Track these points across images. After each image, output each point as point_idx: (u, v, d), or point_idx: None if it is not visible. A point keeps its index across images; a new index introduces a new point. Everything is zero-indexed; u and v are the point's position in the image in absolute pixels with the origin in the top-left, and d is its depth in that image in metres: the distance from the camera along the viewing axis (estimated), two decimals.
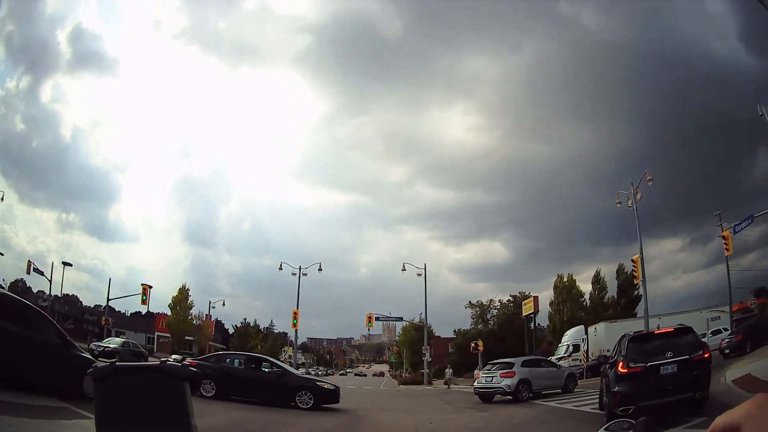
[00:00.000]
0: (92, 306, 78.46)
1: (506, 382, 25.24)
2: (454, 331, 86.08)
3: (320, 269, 60.46)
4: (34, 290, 69.96)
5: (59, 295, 68.89)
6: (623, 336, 15.45)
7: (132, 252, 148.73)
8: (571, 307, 56.17)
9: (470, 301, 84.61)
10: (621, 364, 13.66)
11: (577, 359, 43.10)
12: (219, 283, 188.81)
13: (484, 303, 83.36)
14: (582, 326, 47.44)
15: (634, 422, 0.97)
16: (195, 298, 78.82)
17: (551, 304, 59.50)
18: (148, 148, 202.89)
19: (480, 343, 50.84)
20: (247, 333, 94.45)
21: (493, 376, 26.42)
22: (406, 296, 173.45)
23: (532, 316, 62.30)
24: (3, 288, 71.84)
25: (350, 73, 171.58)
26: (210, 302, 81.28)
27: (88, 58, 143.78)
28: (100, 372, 0.79)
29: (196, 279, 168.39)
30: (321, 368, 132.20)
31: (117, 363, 0.89)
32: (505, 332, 74.59)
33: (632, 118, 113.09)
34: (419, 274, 57.95)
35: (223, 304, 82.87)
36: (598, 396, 17.38)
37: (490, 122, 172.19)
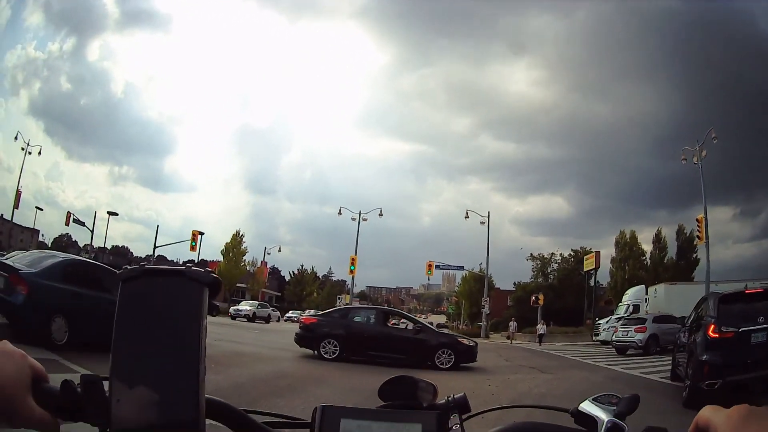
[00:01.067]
0: (143, 256, 79.22)
1: (639, 337, 27.56)
2: (514, 283, 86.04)
3: (381, 215, 59.90)
4: (81, 243, 73.17)
5: (105, 246, 70.51)
6: (707, 296, 13.93)
7: (188, 202, 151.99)
8: (632, 266, 55.03)
9: (531, 254, 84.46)
10: (712, 327, 11.56)
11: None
12: (279, 230, 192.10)
13: (545, 256, 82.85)
14: (643, 286, 46.41)
15: (619, 395, 1.13)
16: (255, 246, 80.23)
17: (613, 261, 58.44)
18: (206, 101, 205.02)
19: (541, 296, 50.67)
20: (304, 280, 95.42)
21: (628, 331, 29.01)
22: (468, 247, 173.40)
23: (593, 271, 61.63)
24: (45, 244, 73.56)
25: (413, 26, 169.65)
26: (265, 248, 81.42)
27: (138, 16, 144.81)
28: (128, 273, 0.98)
29: (255, 227, 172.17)
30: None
31: (146, 266, 1.06)
32: (565, 287, 74.19)
33: (688, 86, 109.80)
34: (482, 222, 57.13)
35: (279, 250, 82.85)
36: (670, 364, 16.02)
37: (553, 77, 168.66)
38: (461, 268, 61.82)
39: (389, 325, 19.72)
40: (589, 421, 1.08)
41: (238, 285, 78.09)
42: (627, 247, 56.60)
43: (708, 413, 0.84)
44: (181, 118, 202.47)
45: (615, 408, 1.07)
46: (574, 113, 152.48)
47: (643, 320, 28.85)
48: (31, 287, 11.41)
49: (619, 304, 46.64)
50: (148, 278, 0.97)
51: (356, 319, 19.39)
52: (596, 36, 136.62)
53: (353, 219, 59.00)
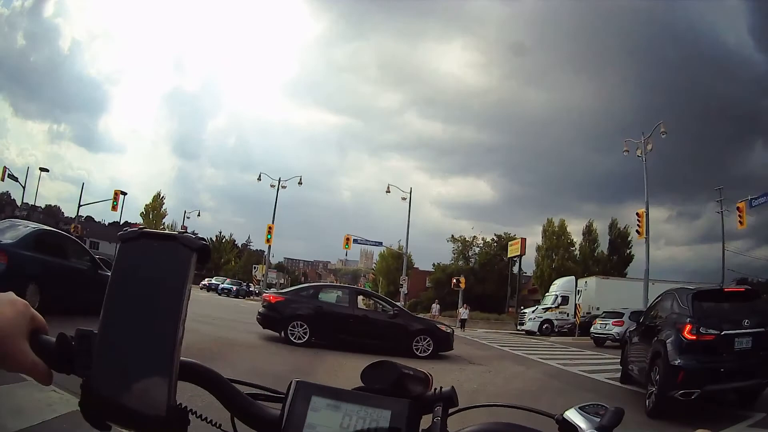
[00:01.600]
0: (72, 216, 73.96)
1: (616, 330, 28.57)
2: (433, 265, 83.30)
3: (300, 182, 57.17)
4: (18, 202, 68.85)
5: (36, 205, 67.98)
6: (672, 291, 11.80)
7: (118, 163, 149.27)
8: (561, 255, 52.45)
9: (452, 235, 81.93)
10: (688, 327, 9.76)
11: (565, 312, 40.33)
12: (201, 196, 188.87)
13: (467, 239, 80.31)
14: (573, 277, 44.29)
15: (606, 406, 1.05)
16: (177, 210, 76.32)
17: (539, 249, 55.92)
18: (142, 62, 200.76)
19: (462, 279, 47.62)
20: (222, 248, 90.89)
21: (606, 324, 30.45)
22: (387, 225, 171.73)
23: (517, 258, 59.37)
24: None
25: None
26: (185, 212, 75.64)
27: None
28: (127, 234, 0.58)
29: (179, 191, 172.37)
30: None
31: (144, 228, 0.62)
32: (486, 272, 72.08)
33: (633, 84, 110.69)
34: (404, 198, 53.73)
35: (198, 215, 76.61)
36: (620, 364, 14.00)
37: (489, 61, 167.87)
38: (380, 244, 57.99)
39: (363, 307, 18.60)
40: (572, 430, 1.05)
41: None
42: (554, 236, 54.02)
43: None
44: (117, 78, 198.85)
45: (599, 420, 1.03)
46: (508, 98, 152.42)
47: (620, 314, 29.70)
48: (10, 257, 11.97)
49: (546, 294, 44.13)
50: (144, 240, 1.02)
51: (326, 299, 17.44)
52: (541, 22, 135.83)
53: (272, 186, 56.29)
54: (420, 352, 16.30)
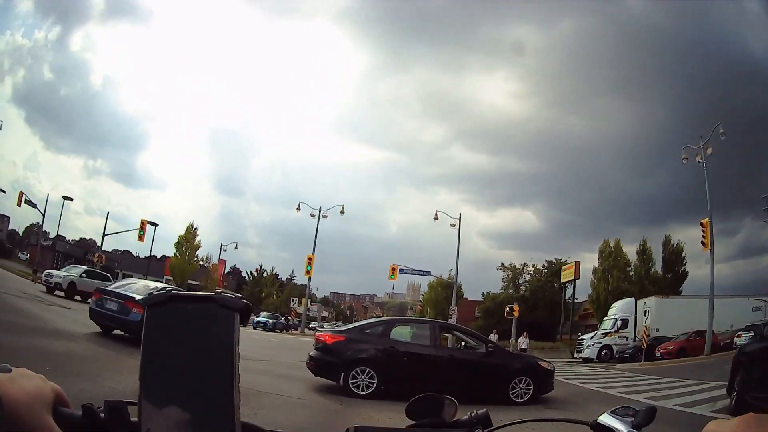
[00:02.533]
0: (110, 251, 76.10)
1: None
2: (483, 294, 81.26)
3: (342, 212, 55.32)
4: (52, 234, 70.53)
5: (62, 236, 69.10)
6: None
7: (159, 199, 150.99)
8: (616, 277, 49.84)
9: (502, 263, 79.75)
10: None
11: (624, 336, 38.22)
12: (246, 233, 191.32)
13: (517, 267, 78.13)
14: (632, 299, 41.96)
15: (637, 409, 1.13)
16: (229, 253, 75.73)
17: (594, 271, 53.14)
18: (182, 99, 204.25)
19: (516, 307, 45.53)
20: (262, 281, 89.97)
21: None
22: (434, 257, 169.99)
23: (569, 283, 57.24)
24: (17, 231, 71.25)
25: (392, 30, 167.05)
26: (221, 245, 74.71)
27: (122, 8, 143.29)
28: (154, 299, 0.58)
29: (224, 229, 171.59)
30: (339, 323, 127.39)
31: (173, 291, 0.64)
32: (537, 300, 69.79)
33: (667, 105, 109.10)
34: (453, 225, 51.91)
35: (236, 248, 74.60)
36: (728, 391, 11.68)
37: (530, 90, 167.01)
38: (428, 273, 56.39)
39: (446, 346, 15.56)
40: None
41: (190, 282, 72.01)
42: (611, 257, 51.45)
43: (713, 427, 0.86)
44: (155, 115, 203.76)
45: (633, 420, 1.10)
46: (549, 128, 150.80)
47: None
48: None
49: (604, 318, 41.94)
50: (175, 304, 0.98)
51: (399, 337, 14.06)
52: (577, 49, 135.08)
53: (312, 215, 54.95)
54: (518, 398, 13.25)
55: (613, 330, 38.33)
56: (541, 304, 68.15)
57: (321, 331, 18.08)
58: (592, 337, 38.53)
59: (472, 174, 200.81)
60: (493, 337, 34.72)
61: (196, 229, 69.31)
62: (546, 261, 76.17)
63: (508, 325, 70.06)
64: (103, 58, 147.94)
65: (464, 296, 71.50)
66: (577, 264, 56.47)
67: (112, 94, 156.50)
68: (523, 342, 37.92)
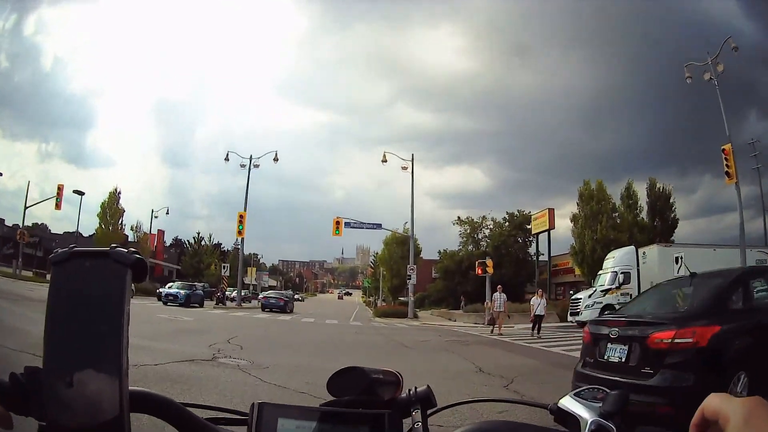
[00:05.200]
0: (61, 233, 70.25)
1: None
2: (439, 252, 73.88)
3: (276, 159, 47.40)
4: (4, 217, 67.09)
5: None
6: None
7: (110, 177, 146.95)
8: (605, 223, 42.17)
9: (459, 217, 72.63)
10: None
11: (627, 293, 30.78)
12: (194, 205, 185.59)
13: (476, 220, 70.75)
14: (632, 247, 34.77)
15: (607, 390, 1.00)
16: (174, 222, 67.48)
17: (575, 218, 44.87)
18: (127, 72, 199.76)
19: (489, 262, 37.87)
20: (201, 250, 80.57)
21: None
22: (385, 215, 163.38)
23: (539, 235, 50.13)
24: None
25: None
26: (152, 211, 66.17)
27: None
28: (59, 256, 0.62)
29: (173, 202, 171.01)
30: (289, 292, 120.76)
31: (75, 248, 0.88)
32: (501, 256, 62.61)
33: (624, 59, 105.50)
34: (404, 168, 44.14)
35: (167, 213, 67.35)
36: None
37: (476, 46, 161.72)
38: (378, 226, 46.84)
39: None
40: (571, 419, 0.99)
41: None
42: (593, 200, 43.37)
43: (717, 402, 0.77)
44: (102, 91, 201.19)
45: (600, 405, 0.98)
46: (497, 83, 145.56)
47: None
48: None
49: (599, 272, 34.49)
50: (76, 260, 0.93)
51: None
52: (527, 3, 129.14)
53: (242, 165, 47.42)
54: None
55: (614, 286, 30.87)
56: (505, 261, 61.09)
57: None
58: (590, 296, 31.01)
59: (418, 133, 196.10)
60: (498, 297, 25.66)
61: (119, 193, 61.30)
62: (507, 213, 69.11)
63: (470, 286, 63.79)
64: (54, 40, 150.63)
65: (420, 255, 63.42)
66: (551, 211, 49.13)
67: (61, 74, 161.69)
68: (538, 304, 25.53)
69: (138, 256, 0.91)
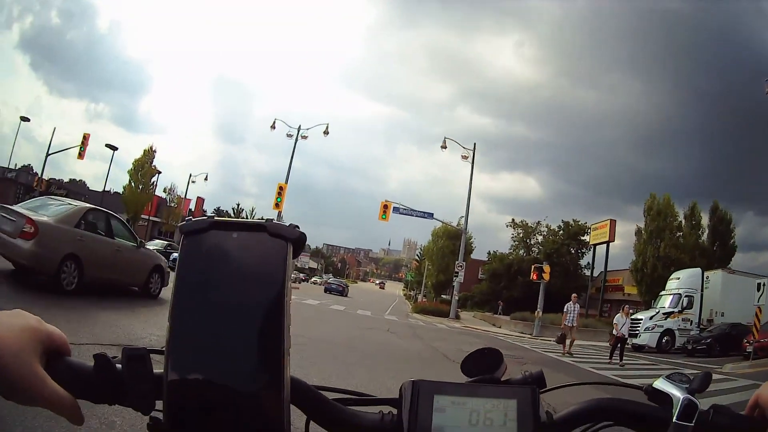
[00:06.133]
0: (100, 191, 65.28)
1: None
2: (489, 253, 71.66)
3: (326, 132, 44.34)
4: (50, 175, 62.39)
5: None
6: None
7: (159, 144, 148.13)
8: (668, 241, 39.09)
9: (513, 219, 70.20)
10: None
11: (688, 320, 28.85)
12: (245, 181, 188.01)
13: (530, 225, 68.29)
14: (699, 270, 31.89)
15: (691, 376, 1.06)
16: (222, 198, 65.87)
17: (639, 232, 41.73)
18: (186, 45, 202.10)
19: (547, 268, 35.60)
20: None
21: None
22: (438, 209, 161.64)
23: (597, 246, 47.53)
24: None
25: None
26: (190, 175, 63.74)
27: None
28: (191, 225, 0.55)
29: (224, 176, 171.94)
30: (327, 276, 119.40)
31: (214, 217, 0.77)
32: (551, 264, 60.07)
33: (679, 86, 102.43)
34: (465, 157, 41.72)
35: (206, 179, 63.80)
36: None
37: (542, 57, 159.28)
38: (430, 215, 43.89)
39: None
40: (663, 398, 1.03)
41: (147, 217, 62.40)
42: (660, 216, 40.37)
43: None
44: (159, 59, 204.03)
45: (688, 386, 1.03)
46: (558, 97, 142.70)
47: None
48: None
49: (661, 293, 32.03)
50: (217, 232, 0.83)
51: None
52: (595, 22, 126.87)
53: (289, 135, 44.34)
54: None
55: (677, 310, 28.52)
56: (555, 270, 58.55)
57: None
58: (651, 317, 28.57)
59: (476, 135, 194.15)
60: (571, 308, 22.54)
61: (154, 151, 59.09)
62: (562, 221, 66.42)
63: (517, 291, 61.55)
64: (110, 2, 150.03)
65: (470, 254, 61.21)
66: (613, 222, 46.28)
67: (118, 38, 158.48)
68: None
69: (299, 230, 0.83)
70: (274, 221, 0.81)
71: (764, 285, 22.56)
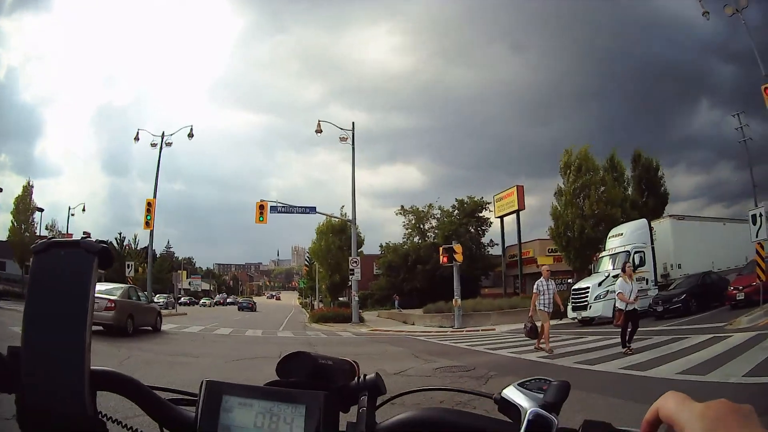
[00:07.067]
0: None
1: None
2: (381, 246, 65.77)
3: (191, 135, 40.92)
4: None
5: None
6: None
7: (55, 187, 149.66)
8: (594, 196, 34.06)
9: (402, 206, 64.84)
10: None
11: (643, 278, 23.60)
12: (135, 212, 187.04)
13: (422, 209, 63.01)
14: (645, 220, 27.59)
15: (551, 380, 1.01)
16: (115, 230, 60.13)
17: (560, 194, 36.22)
18: (71, 80, 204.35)
19: (458, 248, 29.76)
20: (122, 252, 69.97)
21: None
22: (319, 219, 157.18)
23: (509, 217, 42.74)
24: None
25: None
26: (69, 208, 56.69)
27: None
28: (38, 246, 1.05)
29: (114, 209, 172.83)
30: (220, 295, 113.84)
31: (52, 239, 1.09)
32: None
33: (562, 52, 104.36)
34: (343, 138, 36.26)
35: (83, 210, 57.51)
36: None
37: (415, 42, 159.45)
38: (312, 210, 37.53)
39: None
40: (513, 409, 0.99)
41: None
42: (581, 171, 35.07)
43: (672, 406, 0.68)
44: (51, 99, 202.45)
45: (542, 396, 0.98)
46: (434, 80, 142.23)
47: None
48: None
49: (601, 255, 27.58)
50: (53, 250, 1.04)
51: None
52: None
53: (153, 145, 41.13)
54: None
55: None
56: None
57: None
58: (600, 284, 23.41)
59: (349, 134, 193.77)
60: (544, 284, 15.24)
61: (32, 186, 52.06)
62: (456, 200, 61.47)
63: (420, 281, 56.33)
64: (7, 50, 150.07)
65: (361, 249, 54.75)
66: (520, 188, 41.54)
67: (12, 84, 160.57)
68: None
69: (104, 245, 1.02)
70: (88, 238, 1.02)
71: (761, 215, 17.91)
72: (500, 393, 1.00)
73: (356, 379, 1.07)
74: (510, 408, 0.96)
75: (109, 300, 18.32)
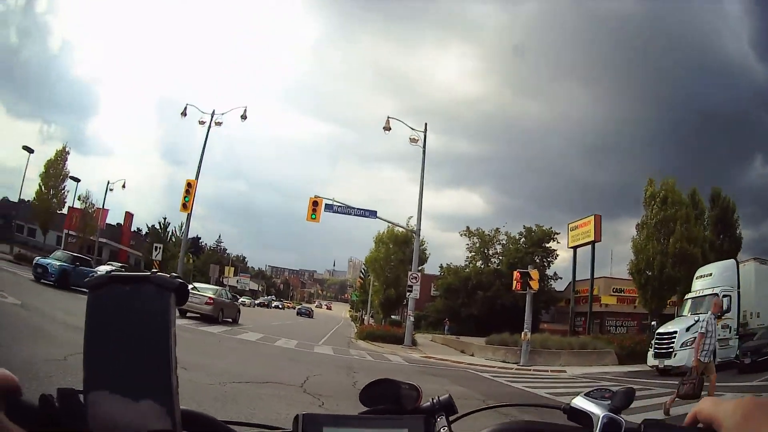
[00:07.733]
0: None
1: None
2: (441, 267, 63.67)
3: (244, 116, 37.57)
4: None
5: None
6: None
7: (107, 166, 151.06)
8: (681, 233, 30.75)
9: (468, 227, 62.48)
10: None
11: (726, 326, 21.62)
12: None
13: (487, 233, 60.78)
14: (733, 261, 25.09)
15: (611, 389, 1.11)
16: (159, 213, 58.91)
17: (640, 226, 33.37)
18: (133, 65, 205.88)
19: (534, 273, 27.29)
20: (166, 238, 68.85)
21: None
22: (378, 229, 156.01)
23: (582, 247, 40.11)
24: None
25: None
26: (108, 182, 53.41)
27: None
28: (95, 281, 0.95)
29: (168, 199, 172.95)
30: (267, 297, 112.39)
31: (112, 273, 1.02)
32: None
33: (630, 94, 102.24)
34: (414, 140, 33.71)
35: (123, 186, 53.53)
36: None
37: (486, 69, 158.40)
38: (373, 213, 34.64)
39: None
40: (583, 417, 1.07)
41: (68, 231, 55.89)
42: (666, 205, 32.00)
43: (709, 407, 0.82)
44: (108, 80, 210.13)
45: (609, 402, 1.06)
46: (501, 108, 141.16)
47: None
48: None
49: (687, 296, 24.91)
50: (114, 285, 0.98)
51: None
52: (541, 32, 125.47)
53: (202, 122, 37.68)
54: None
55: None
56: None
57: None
58: (688, 329, 20.38)
59: (419, 152, 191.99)
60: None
61: (67, 153, 50.87)
62: (524, 227, 59.06)
63: (477, 308, 54.01)
64: (64, 21, 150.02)
65: (422, 267, 52.17)
66: (597, 218, 38.96)
67: (68, 58, 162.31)
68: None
69: (180, 280, 0.97)
70: (159, 273, 0.95)
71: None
72: (569, 404, 1.08)
73: (431, 400, 1.14)
74: (580, 416, 1.04)
75: (209, 297, 25.83)
